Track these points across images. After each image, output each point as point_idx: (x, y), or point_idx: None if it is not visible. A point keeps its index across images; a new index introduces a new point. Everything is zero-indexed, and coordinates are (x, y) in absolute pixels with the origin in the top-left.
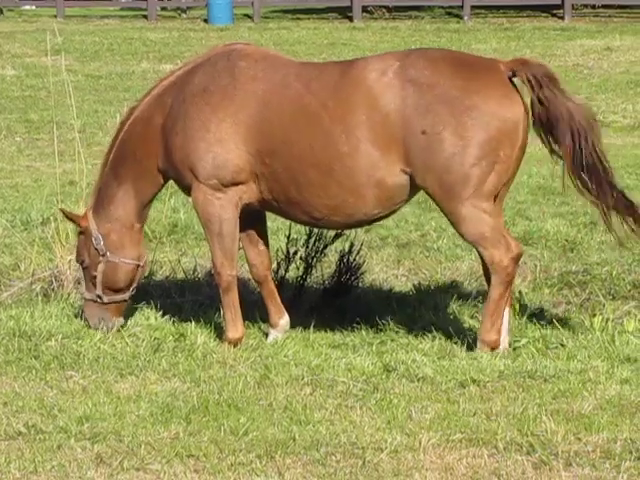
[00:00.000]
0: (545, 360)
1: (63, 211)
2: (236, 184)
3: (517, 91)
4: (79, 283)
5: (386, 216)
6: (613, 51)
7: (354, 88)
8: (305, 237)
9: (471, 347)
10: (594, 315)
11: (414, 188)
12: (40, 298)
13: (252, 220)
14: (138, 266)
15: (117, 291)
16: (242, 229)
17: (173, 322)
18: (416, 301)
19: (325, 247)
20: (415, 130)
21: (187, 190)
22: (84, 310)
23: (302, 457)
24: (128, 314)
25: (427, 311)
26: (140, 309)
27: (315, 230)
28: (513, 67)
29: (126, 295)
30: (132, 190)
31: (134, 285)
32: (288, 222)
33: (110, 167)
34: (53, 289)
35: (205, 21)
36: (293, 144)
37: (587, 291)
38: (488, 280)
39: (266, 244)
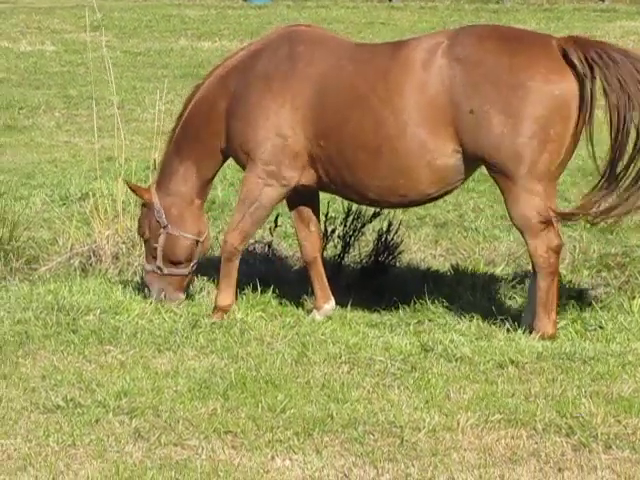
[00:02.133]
0: (584, 342)
1: (128, 184)
2: (292, 170)
3: (569, 67)
4: (117, 258)
5: (442, 195)
6: None
7: (403, 69)
8: (343, 216)
9: (509, 328)
10: (633, 297)
11: (470, 167)
12: (78, 273)
13: (305, 200)
14: (197, 242)
15: (176, 264)
16: (295, 209)
17: (210, 298)
18: (454, 281)
19: (363, 226)
20: (463, 109)
21: (244, 167)
22: (145, 280)
23: (340, 435)
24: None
25: (465, 291)
26: None
27: (353, 208)
28: (565, 45)
29: (186, 270)
30: (193, 167)
31: (194, 261)
32: (326, 201)
33: (174, 144)
34: (91, 264)
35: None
36: (345, 127)
37: (626, 273)
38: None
39: (318, 225)
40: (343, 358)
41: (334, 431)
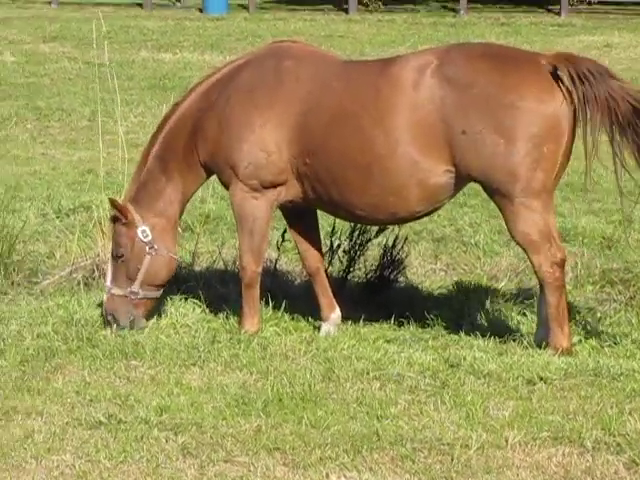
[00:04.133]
0: (606, 358)
1: (112, 201)
2: (275, 185)
3: (559, 85)
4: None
5: (430, 212)
6: (613, 48)
7: (392, 88)
8: (349, 230)
9: (526, 345)
10: None
11: (460, 185)
12: (82, 287)
13: (303, 212)
14: (177, 262)
15: (158, 287)
16: (293, 221)
17: (225, 313)
18: (459, 296)
19: (369, 241)
20: (455, 130)
21: (226, 185)
22: (110, 308)
23: (388, 452)
24: (177, 304)
25: (472, 307)
26: (186, 300)
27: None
28: (554, 62)
29: (160, 292)
30: (180, 185)
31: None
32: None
33: (156, 162)
34: (94, 278)
35: (200, 10)
36: (333, 145)
37: (631, 289)
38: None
39: (318, 236)
40: (371, 374)
41: (382, 448)
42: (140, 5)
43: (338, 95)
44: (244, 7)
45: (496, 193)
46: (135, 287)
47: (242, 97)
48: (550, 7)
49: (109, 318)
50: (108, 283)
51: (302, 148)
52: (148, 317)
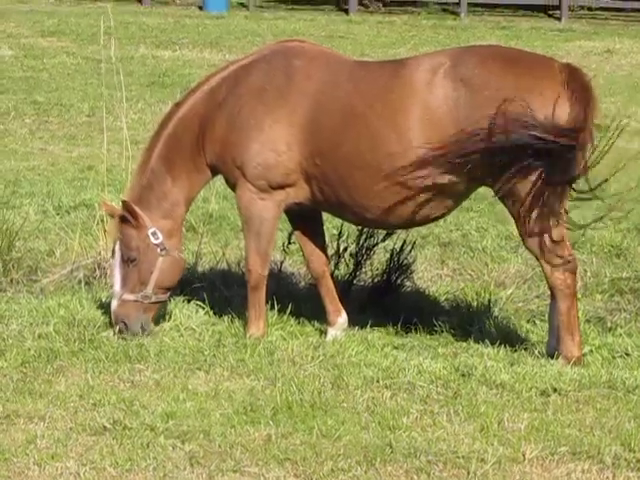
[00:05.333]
0: (619, 370)
1: (125, 203)
2: (284, 187)
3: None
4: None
5: (441, 217)
6: (614, 53)
7: (405, 89)
8: (356, 234)
9: (538, 355)
10: None
11: (473, 189)
12: (83, 286)
13: (308, 215)
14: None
15: (168, 289)
16: (297, 225)
17: (229, 316)
18: (467, 303)
19: (376, 245)
20: None
21: (233, 187)
22: (121, 314)
23: (402, 465)
24: (181, 306)
25: (482, 314)
26: (190, 302)
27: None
28: (565, 70)
29: (168, 295)
30: (187, 185)
31: None
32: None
33: (161, 162)
34: (95, 277)
35: (200, 8)
36: (343, 146)
37: None
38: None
39: (323, 239)
40: (381, 382)
41: (396, 460)
42: (139, 1)
43: (350, 95)
44: (244, 6)
45: (508, 197)
46: (148, 291)
47: (251, 97)
48: (550, 12)
49: (120, 325)
50: (117, 288)
51: (312, 148)
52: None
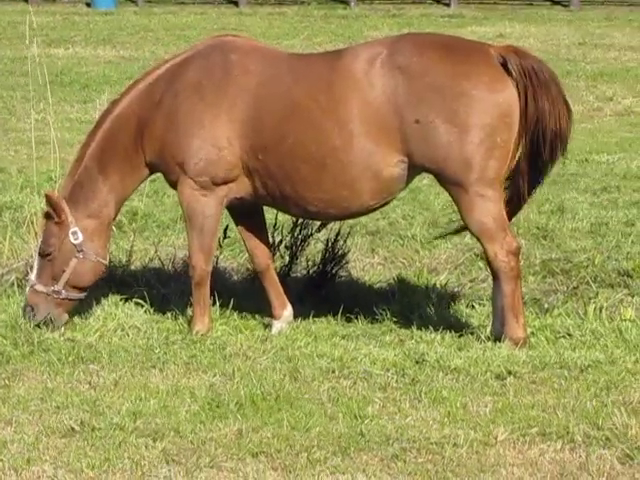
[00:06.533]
0: (565, 350)
1: (49, 197)
2: (226, 182)
3: (508, 75)
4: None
5: (382, 206)
6: (506, 38)
7: (343, 80)
8: (290, 225)
9: (482, 338)
10: (587, 304)
11: (413, 176)
12: (16, 289)
13: (249, 210)
14: (105, 266)
15: (80, 289)
16: (240, 219)
17: (172, 313)
18: (403, 290)
19: (310, 236)
20: (408, 120)
21: (174, 184)
22: (31, 301)
23: (377, 453)
24: (120, 305)
25: (420, 300)
26: (127, 301)
27: (300, 219)
28: (504, 53)
29: (83, 294)
30: (118, 186)
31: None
32: (274, 212)
33: (94, 162)
34: (28, 280)
35: (87, 5)
36: (285, 140)
37: (574, 279)
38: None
39: (265, 233)
40: (337, 373)
41: (370, 449)
42: (25, 0)
43: (289, 88)
44: (132, 1)
45: (450, 183)
46: (58, 287)
47: (189, 93)
48: None
49: (27, 310)
50: (33, 278)
51: (254, 143)
52: (66, 313)
